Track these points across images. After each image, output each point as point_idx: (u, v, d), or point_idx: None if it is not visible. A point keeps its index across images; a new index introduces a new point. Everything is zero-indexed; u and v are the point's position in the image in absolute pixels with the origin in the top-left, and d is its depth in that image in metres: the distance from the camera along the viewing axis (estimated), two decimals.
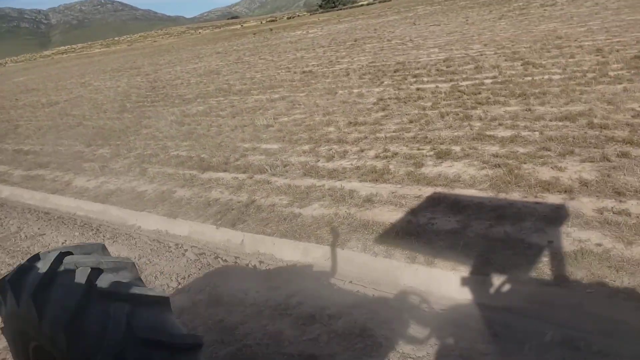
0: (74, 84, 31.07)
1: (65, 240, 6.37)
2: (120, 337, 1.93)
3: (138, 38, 70.32)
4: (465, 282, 3.87)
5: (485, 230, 4.39)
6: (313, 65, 17.89)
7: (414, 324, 3.58)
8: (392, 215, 5.02)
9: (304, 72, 16.65)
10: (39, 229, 7.04)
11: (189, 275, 4.98)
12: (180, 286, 4.78)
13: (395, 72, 12.84)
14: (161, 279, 5.01)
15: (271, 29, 55.45)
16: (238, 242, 5.53)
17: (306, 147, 8.00)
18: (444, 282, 3.97)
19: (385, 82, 11.80)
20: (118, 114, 15.98)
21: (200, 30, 62.09)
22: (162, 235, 6.22)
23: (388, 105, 9.46)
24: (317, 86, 13.32)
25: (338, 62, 17.37)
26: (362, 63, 15.83)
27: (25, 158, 11.83)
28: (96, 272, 2.15)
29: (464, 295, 3.81)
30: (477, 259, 4.01)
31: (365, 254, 4.57)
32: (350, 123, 8.79)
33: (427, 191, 5.37)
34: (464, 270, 3.96)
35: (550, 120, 6.57)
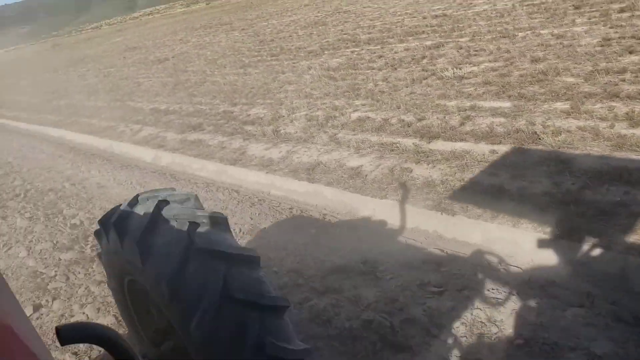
0: (172, 41, 29.10)
1: (307, 244, 4.23)
2: (218, 294, 1.68)
3: None
4: None
5: None
6: (440, 8, 14.79)
7: None
8: None
9: (436, 16, 13.67)
10: (251, 218, 4.97)
11: None
12: None
13: (576, 8, 9.74)
14: None
15: None
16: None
17: (561, 105, 5.43)
18: None
19: (579, 20, 8.80)
20: (241, 69, 13.75)
21: None
22: (436, 240, 3.98)
23: (631, 46, 6.61)
24: (474, 29, 10.44)
25: (472, 3, 14.19)
26: (507, 3, 12.64)
27: (168, 118, 9.88)
28: (194, 225, 1.88)
29: None
30: None
31: None
32: (595, 71, 6.07)
33: None
34: None
35: None
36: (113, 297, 2.55)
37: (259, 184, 5.93)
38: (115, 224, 2.03)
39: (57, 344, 3.55)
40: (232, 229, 4.69)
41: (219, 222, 1.98)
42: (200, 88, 12.28)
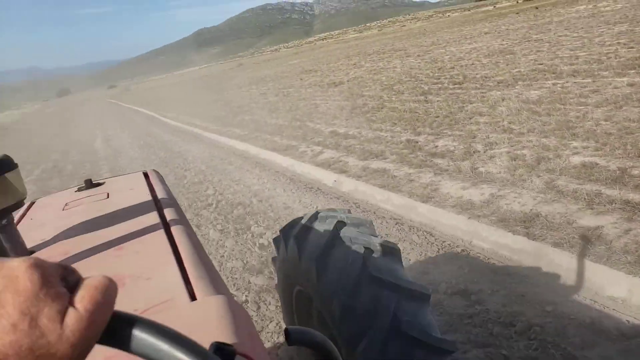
0: (346, 65, 30.06)
1: (543, 325, 3.37)
2: (357, 274, 1.87)
3: (387, 23, 69.17)
4: None
5: None
6: None
7: None
8: None
9: None
10: (458, 273, 4.24)
11: None
12: None
13: None
14: None
15: (536, 7, 47.50)
16: None
17: None
18: None
19: None
20: (421, 95, 13.20)
21: (448, 14, 57.42)
22: None
23: None
24: None
25: None
26: None
27: (348, 143, 9.71)
28: (341, 224, 2.16)
29: None
30: None
31: None
32: None
33: None
34: None
35: None
36: (281, 307, 2.81)
37: (456, 229, 5.17)
38: (297, 237, 2.21)
39: None
40: (440, 288, 4.00)
41: (363, 223, 2.26)
42: (378, 114, 12.01)
